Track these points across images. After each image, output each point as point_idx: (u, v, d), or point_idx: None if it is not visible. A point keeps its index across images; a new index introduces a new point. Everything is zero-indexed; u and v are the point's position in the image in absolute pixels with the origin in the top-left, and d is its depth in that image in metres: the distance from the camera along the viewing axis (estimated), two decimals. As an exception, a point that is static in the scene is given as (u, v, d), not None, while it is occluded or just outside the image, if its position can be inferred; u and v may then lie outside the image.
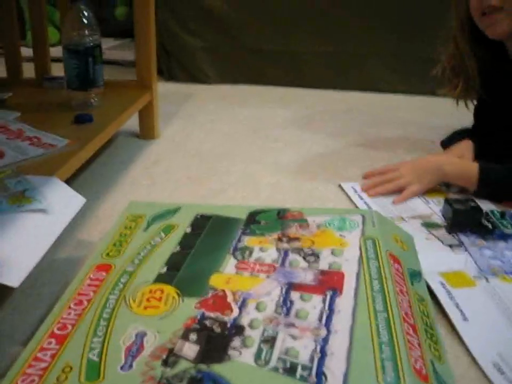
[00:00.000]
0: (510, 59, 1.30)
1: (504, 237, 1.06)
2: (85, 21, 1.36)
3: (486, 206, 1.17)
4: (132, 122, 1.55)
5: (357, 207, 1.19)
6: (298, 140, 1.60)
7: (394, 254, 0.87)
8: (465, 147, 1.34)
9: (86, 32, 1.36)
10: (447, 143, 1.42)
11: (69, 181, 1.01)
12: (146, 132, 1.59)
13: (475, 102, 1.41)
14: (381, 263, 0.83)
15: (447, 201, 1.09)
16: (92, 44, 1.36)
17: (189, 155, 1.48)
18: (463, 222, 1.06)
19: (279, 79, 2.14)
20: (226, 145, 1.55)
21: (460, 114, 1.39)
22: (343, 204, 1.21)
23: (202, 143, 1.57)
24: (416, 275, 0.88)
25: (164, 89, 2.06)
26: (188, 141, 1.58)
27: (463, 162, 1.25)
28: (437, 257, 0.99)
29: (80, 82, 1.38)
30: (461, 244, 1.04)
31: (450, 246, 1.03)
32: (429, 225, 1.11)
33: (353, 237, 0.90)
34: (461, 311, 0.85)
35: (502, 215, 1.09)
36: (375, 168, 1.31)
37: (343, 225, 0.94)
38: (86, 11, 1.36)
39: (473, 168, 1.20)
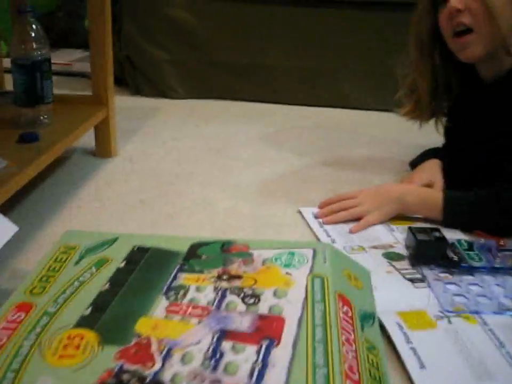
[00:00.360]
0: (480, 82, 1.24)
1: (471, 270, 0.98)
2: (33, 34, 1.28)
3: (456, 235, 1.10)
4: (89, 138, 1.47)
5: (315, 235, 1.11)
6: (262, 159, 1.51)
7: (344, 294, 0.79)
8: (433, 168, 1.27)
9: (34, 45, 1.27)
10: (415, 163, 1.34)
11: (12, 203, 0.92)
12: (102, 149, 1.51)
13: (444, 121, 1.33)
14: (327, 307, 0.74)
15: (411, 230, 1.01)
16: (40, 58, 1.28)
17: (144, 176, 1.39)
18: (426, 254, 0.98)
19: (249, 94, 2.06)
20: (185, 165, 1.47)
21: (433, 132, 1.34)
22: (300, 231, 1.14)
23: (161, 163, 1.48)
24: (368, 317, 0.79)
25: (128, 104, 1.99)
26: (146, 160, 1.50)
27: (426, 191, 1.17)
28: (396, 294, 0.91)
29: (27, 99, 1.30)
30: (423, 278, 0.96)
31: (412, 280, 0.95)
32: (391, 256, 1.03)
33: (300, 275, 0.82)
34: (418, 357, 0.78)
35: (470, 246, 1.01)
36: (335, 195, 1.23)
37: (291, 261, 0.86)
38: (34, 24, 1.28)
39: (437, 197, 1.13)
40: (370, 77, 1.92)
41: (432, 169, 1.26)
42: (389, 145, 1.62)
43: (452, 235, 1.08)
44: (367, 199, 1.16)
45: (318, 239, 1.10)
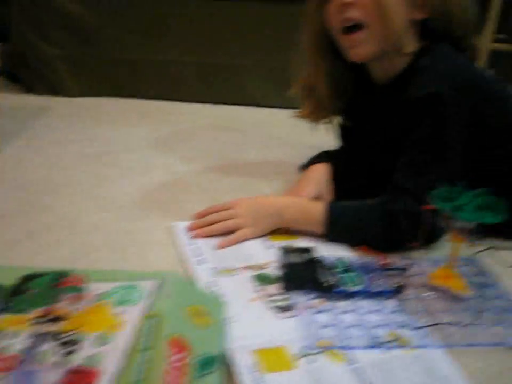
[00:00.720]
0: (373, 83, 1.15)
1: (347, 295, 0.87)
2: None
3: (341, 252, 1.00)
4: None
5: (184, 254, 1.00)
6: (144, 166, 1.39)
7: (182, 337, 0.68)
8: (320, 177, 1.18)
9: None
10: (304, 167, 1.24)
11: None
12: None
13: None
14: (154, 356, 0.62)
15: (283, 250, 0.90)
16: None
17: (13, 186, 1.25)
18: (297, 277, 0.88)
19: (146, 92, 1.93)
20: (61, 173, 1.33)
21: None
22: (168, 250, 1.02)
23: (35, 171, 1.34)
24: (210, 363, 0.68)
25: (17, 103, 1.85)
26: (19, 167, 1.35)
27: (307, 204, 1.07)
28: (256, 327, 0.81)
29: None
30: (292, 305, 0.84)
31: (279, 309, 0.84)
32: (263, 278, 0.92)
33: (133, 315, 0.71)
34: (268, 407, 0.65)
35: (348, 267, 0.90)
36: (211, 206, 1.10)
37: (127, 297, 0.74)
38: None
39: (319, 210, 1.02)
40: (273, 73, 1.82)
41: (319, 178, 1.17)
42: (287, 146, 1.52)
43: (336, 252, 0.99)
44: (244, 211, 1.04)
45: (187, 259, 0.98)
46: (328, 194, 1.15)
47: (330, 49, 1.12)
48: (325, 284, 0.87)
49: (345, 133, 1.28)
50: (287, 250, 0.91)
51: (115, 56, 1.92)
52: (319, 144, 1.32)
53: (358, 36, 1.04)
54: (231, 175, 1.35)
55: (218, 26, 1.86)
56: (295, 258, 0.90)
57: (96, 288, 0.77)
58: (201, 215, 1.08)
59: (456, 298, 0.90)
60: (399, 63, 1.08)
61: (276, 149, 1.51)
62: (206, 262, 0.97)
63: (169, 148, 1.54)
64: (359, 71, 1.15)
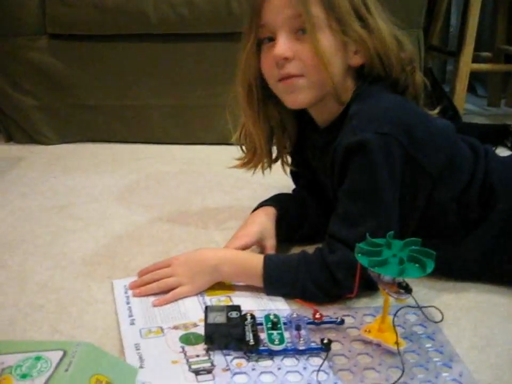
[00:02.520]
0: (315, 125, 1.14)
1: (272, 354, 0.85)
2: None
3: (277, 304, 0.99)
4: None
5: (117, 313, 0.99)
6: (105, 217, 1.39)
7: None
8: (264, 221, 1.15)
9: None
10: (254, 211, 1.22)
11: None
12: None
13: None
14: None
15: (208, 309, 0.89)
16: None
17: (-29, 244, 1.25)
18: (222, 336, 0.86)
19: (121, 136, 1.96)
20: (21, 228, 1.35)
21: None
22: (106, 309, 1.02)
23: (-4, 227, 1.34)
24: None
25: None
26: (-19, 224, 1.36)
27: (246, 258, 1.05)
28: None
29: None
30: (212, 367, 0.83)
31: (197, 372, 0.82)
32: (189, 339, 0.91)
33: (32, 389, 0.68)
34: None
35: (275, 324, 0.88)
36: (152, 264, 1.10)
37: (32, 369, 0.73)
38: None
39: (257, 264, 1.01)
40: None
41: (264, 222, 1.15)
42: (252, 188, 1.50)
43: (270, 306, 0.99)
44: (180, 269, 1.03)
45: (120, 319, 0.97)
46: (271, 238, 1.13)
47: (267, 97, 1.10)
48: (250, 343, 0.85)
49: (296, 174, 1.26)
50: (212, 309, 0.89)
51: (89, 103, 1.94)
52: (288, 184, 1.30)
53: (295, 81, 1.02)
54: (185, 224, 1.35)
55: (187, 69, 1.87)
56: (220, 318, 0.87)
57: (4, 361, 0.76)
58: (142, 274, 1.07)
59: (388, 352, 0.87)
60: (337, 107, 1.06)
61: (239, 192, 1.51)
62: (135, 323, 0.95)
63: (132, 196, 1.54)
64: (303, 115, 1.14)
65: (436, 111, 1.11)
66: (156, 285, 1.02)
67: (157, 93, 1.91)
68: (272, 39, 1.02)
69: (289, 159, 1.23)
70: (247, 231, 1.13)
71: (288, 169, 1.24)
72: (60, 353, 0.75)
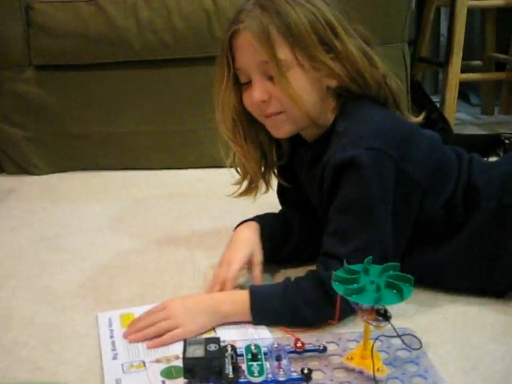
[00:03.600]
0: (303, 140, 1.15)
1: (250, 386, 0.84)
2: None
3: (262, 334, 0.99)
4: None
5: (100, 347, 0.99)
6: (93, 248, 1.39)
7: None
8: (248, 233, 1.16)
9: None
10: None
11: None
12: None
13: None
14: None
15: (187, 343, 0.88)
16: None
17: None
18: (198, 370, 0.85)
19: (111, 163, 1.95)
20: (8, 264, 1.35)
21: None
22: (89, 344, 1.01)
23: (-17, 262, 1.34)
24: None
25: None
26: (-30, 259, 1.36)
27: (236, 295, 1.04)
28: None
29: None
30: (190, 403, 0.82)
31: (177, 408, 0.81)
32: (170, 372, 0.91)
33: None
34: None
35: (254, 356, 0.87)
36: (144, 313, 1.05)
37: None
38: None
39: (244, 298, 1.01)
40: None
41: (249, 238, 1.15)
42: (244, 211, 1.48)
43: (251, 336, 0.98)
44: (175, 311, 1.00)
45: (103, 354, 0.97)
46: (258, 254, 1.13)
47: (253, 121, 1.11)
48: (229, 376, 0.84)
49: (283, 193, 1.27)
50: (191, 343, 0.88)
51: (77, 132, 1.93)
52: (270, 204, 1.30)
53: (277, 118, 1.06)
54: (172, 252, 1.34)
55: (172, 94, 1.87)
56: (199, 351, 0.87)
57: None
58: (135, 322, 1.03)
59: (370, 380, 0.86)
60: (323, 126, 1.09)
61: (227, 216, 1.50)
62: (118, 357, 0.95)
63: (120, 224, 1.53)
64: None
65: (420, 117, 1.12)
66: (152, 330, 0.99)
67: (143, 119, 1.91)
68: (248, 82, 1.06)
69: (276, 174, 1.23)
70: (236, 250, 1.12)
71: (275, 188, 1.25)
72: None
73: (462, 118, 2.45)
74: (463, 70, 2.11)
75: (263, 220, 1.19)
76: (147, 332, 0.98)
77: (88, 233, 1.49)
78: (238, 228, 1.18)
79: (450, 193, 1.06)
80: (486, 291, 1.08)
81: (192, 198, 1.70)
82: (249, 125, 1.12)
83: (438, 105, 2.20)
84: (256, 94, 1.03)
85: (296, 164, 1.18)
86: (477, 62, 2.46)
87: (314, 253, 1.07)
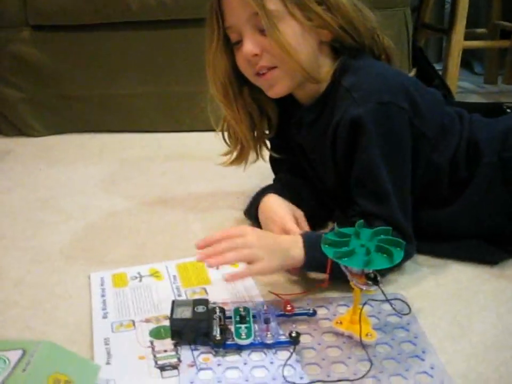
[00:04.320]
0: (296, 103, 1.13)
1: (239, 348, 0.84)
2: None
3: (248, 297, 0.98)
4: None
5: (91, 307, 0.98)
6: (86, 209, 1.39)
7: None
8: (277, 201, 1.13)
9: None
10: (250, 210, 1.20)
11: None
12: None
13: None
14: None
15: (175, 304, 0.88)
16: None
17: None
18: (185, 332, 0.85)
19: (108, 125, 1.94)
20: (1, 223, 1.35)
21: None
22: (79, 304, 1.01)
23: (-24, 222, 1.34)
24: None
25: None
26: (-38, 219, 1.35)
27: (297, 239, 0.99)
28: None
29: None
30: (177, 363, 0.82)
31: (163, 368, 0.81)
32: (159, 332, 0.90)
33: (-12, 390, 0.67)
34: None
35: (243, 317, 0.87)
36: (219, 232, 0.95)
37: (-11, 370, 0.71)
38: None
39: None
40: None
41: (281, 202, 1.12)
42: (239, 175, 1.47)
43: (240, 299, 0.97)
44: (258, 242, 0.93)
45: (93, 313, 0.97)
46: (298, 210, 1.11)
47: (243, 88, 1.10)
48: (216, 338, 0.83)
49: (276, 161, 1.25)
50: (179, 304, 0.88)
51: (74, 93, 1.92)
52: (264, 169, 1.30)
53: (272, 74, 1.03)
54: (165, 214, 1.34)
55: (171, 56, 1.84)
56: (187, 313, 0.86)
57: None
58: (209, 243, 0.93)
59: (359, 345, 0.85)
60: (321, 85, 1.06)
61: (223, 180, 1.49)
62: (108, 316, 0.95)
63: (115, 186, 1.53)
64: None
65: (412, 73, 1.11)
66: (233, 254, 0.90)
67: (142, 81, 1.89)
68: (239, 41, 1.03)
69: (268, 145, 1.21)
70: (281, 217, 1.08)
71: (266, 156, 1.23)
72: (19, 352, 0.75)
73: (464, 87, 2.42)
74: (467, 38, 2.07)
75: (275, 191, 1.16)
76: (228, 256, 0.90)
77: (82, 195, 1.48)
78: (261, 202, 1.14)
79: (454, 147, 1.05)
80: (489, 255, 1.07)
81: (188, 161, 1.69)
82: (240, 91, 1.10)
83: (440, 73, 2.17)
84: (248, 47, 1.00)
85: (291, 128, 1.16)
86: (482, 30, 2.42)
87: (323, 218, 1.10)
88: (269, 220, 1.10)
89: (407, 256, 1.00)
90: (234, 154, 1.16)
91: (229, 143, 1.17)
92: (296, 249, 0.96)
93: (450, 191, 1.06)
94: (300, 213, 1.11)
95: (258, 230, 1.02)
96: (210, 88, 1.09)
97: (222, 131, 1.15)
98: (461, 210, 1.06)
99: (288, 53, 0.98)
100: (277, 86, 1.05)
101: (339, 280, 0.92)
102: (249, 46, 1.00)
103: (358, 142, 0.99)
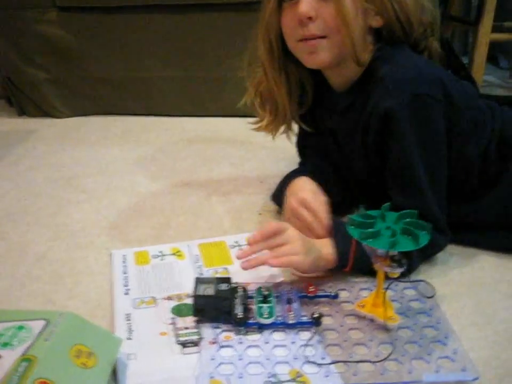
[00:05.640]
0: (329, 88, 1.11)
1: (260, 327, 0.84)
2: None
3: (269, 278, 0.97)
4: None
5: (112, 283, 0.99)
6: (109, 188, 1.40)
7: (51, 380, 0.65)
8: (305, 181, 1.11)
9: None
10: (278, 195, 1.17)
11: None
12: None
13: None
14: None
15: (198, 281, 0.88)
16: None
17: (-26, 215, 1.26)
18: (211, 309, 0.85)
19: (132, 108, 1.95)
20: (25, 201, 1.36)
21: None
22: (101, 279, 1.02)
23: (2, 199, 1.34)
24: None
25: (8, 127, 1.91)
26: (-12, 196, 1.37)
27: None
28: (155, 364, 0.79)
29: None
30: (199, 340, 0.82)
31: (184, 344, 0.82)
32: (180, 310, 0.91)
33: (11, 357, 0.68)
34: None
35: (266, 297, 0.87)
36: (258, 231, 0.95)
37: (12, 338, 0.73)
38: None
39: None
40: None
41: (309, 182, 1.10)
42: (262, 159, 1.47)
43: (263, 279, 0.96)
44: (296, 238, 0.93)
45: (114, 289, 0.97)
46: (324, 196, 1.08)
47: (286, 55, 1.07)
48: (238, 316, 0.83)
49: (304, 144, 1.24)
50: (202, 281, 0.88)
51: (99, 75, 1.92)
52: (289, 154, 1.29)
53: (317, 42, 1.00)
54: (188, 195, 1.34)
55: (196, 40, 1.83)
56: (210, 290, 0.86)
57: (-13, 329, 0.75)
58: (254, 241, 0.93)
59: (381, 328, 0.85)
60: (356, 70, 1.04)
61: (246, 164, 1.49)
62: (130, 292, 0.95)
63: (138, 168, 1.53)
64: (316, 76, 1.11)
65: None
66: (272, 255, 0.91)
67: (166, 64, 1.88)
68: None
69: (294, 129, 1.20)
70: (304, 191, 1.07)
71: (293, 138, 1.22)
72: (43, 322, 0.75)
73: (490, 81, 2.39)
74: (494, 31, 2.04)
75: (304, 174, 1.14)
76: (267, 257, 0.91)
77: (105, 175, 1.49)
78: (291, 183, 1.12)
79: (486, 141, 1.04)
80: None
81: (211, 145, 1.69)
82: (285, 54, 1.08)
83: (466, 66, 2.14)
84: (304, 7, 0.96)
85: (323, 112, 1.15)
86: (509, 23, 2.38)
87: (349, 205, 1.09)
88: (292, 194, 1.08)
89: (439, 248, 1.01)
90: (266, 120, 1.14)
91: (261, 109, 1.14)
92: (326, 249, 0.95)
93: (480, 185, 1.05)
94: (323, 198, 1.08)
95: (294, 228, 0.98)
96: (258, 44, 1.07)
97: (254, 96, 1.13)
98: (490, 204, 1.05)
99: (344, 21, 0.96)
100: (319, 54, 1.01)
101: (362, 272, 0.93)
102: (307, 7, 0.97)
103: (391, 134, 0.98)
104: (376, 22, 1.02)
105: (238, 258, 0.93)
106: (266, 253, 0.92)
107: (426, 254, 0.99)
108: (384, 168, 1.02)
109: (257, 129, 1.17)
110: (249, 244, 0.93)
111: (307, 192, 1.06)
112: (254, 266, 0.91)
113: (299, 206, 1.03)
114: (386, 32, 1.03)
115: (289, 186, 1.12)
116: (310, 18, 0.98)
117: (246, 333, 0.84)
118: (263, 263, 0.91)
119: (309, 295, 0.91)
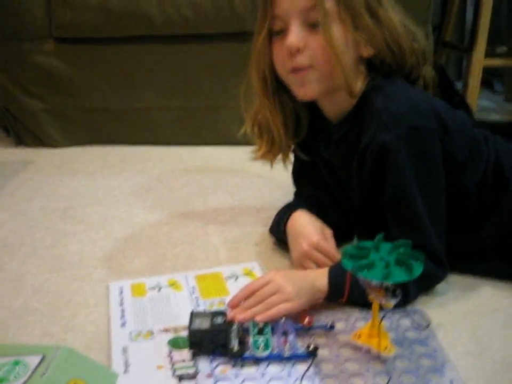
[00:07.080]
0: (324, 118, 1.12)
1: (256, 360, 0.84)
2: None
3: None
4: None
5: (109, 315, 0.99)
6: (106, 219, 1.40)
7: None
8: (305, 218, 1.12)
9: None
10: (278, 227, 1.18)
11: None
12: None
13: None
14: None
15: (193, 315, 0.88)
16: None
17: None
18: (203, 343, 0.85)
19: (129, 138, 1.95)
20: (19, 232, 1.36)
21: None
22: (99, 312, 1.02)
23: (-2, 231, 1.35)
24: None
25: (4, 157, 1.91)
26: (-16, 228, 1.37)
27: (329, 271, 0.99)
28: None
29: None
30: (195, 373, 0.82)
31: (181, 377, 0.82)
32: (177, 343, 0.90)
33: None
34: None
35: (260, 330, 0.87)
36: (242, 289, 0.97)
37: (9, 374, 0.73)
38: None
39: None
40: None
41: (311, 219, 1.12)
42: (259, 188, 1.47)
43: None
44: (284, 283, 0.93)
45: (111, 322, 0.98)
46: (326, 228, 1.11)
47: (280, 86, 1.08)
48: (234, 350, 0.83)
49: (304, 170, 1.25)
50: (197, 315, 0.88)
51: (96, 105, 1.94)
52: (286, 183, 1.30)
53: (306, 74, 1.01)
54: (185, 226, 1.34)
55: (192, 70, 1.85)
56: (205, 324, 0.86)
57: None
58: (238, 301, 0.95)
59: (377, 359, 0.85)
60: (349, 100, 1.05)
61: (243, 193, 1.50)
62: (126, 325, 0.95)
63: (135, 198, 1.53)
64: (312, 107, 1.12)
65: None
66: (261, 307, 0.91)
67: (163, 94, 1.90)
68: (282, 31, 1.01)
69: (291, 157, 1.20)
70: (311, 234, 1.08)
71: (289, 167, 1.23)
72: (39, 357, 0.75)
73: (484, 105, 2.41)
74: (488, 56, 2.07)
75: (302, 207, 1.15)
76: (257, 309, 0.91)
77: (102, 206, 1.49)
78: (291, 218, 1.13)
79: (482, 171, 1.04)
80: None
81: (208, 174, 1.69)
82: (279, 85, 1.08)
83: (460, 91, 2.16)
84: (293, 38, 0.97)
85: (319, 142, 1.16)
86: (503, 48, 2.41)
87: (346, 236, 1.10)
88: (299, 235, 1.09)
89: (437, 280, 1.02)
90: (263, 149, 1.15)
91: (259, 138, 1.15)
92: (322, 280, 0.96)
93: (477, 214, 1.05)
94: (328, 232, 1.10)
95: (281, 272, 0.99)
96: (251, 76, 1.08)
97: (252, 127, 1.14)
98: (487, 233, 1.05)
99: (334, 52, 0.97)
100: (308, 86, 1.02)
101: (357, 304, 0.94)
102: (294, 38, 0.98)
103: (388, 167, 0.97)
104: (367, 51, 1.02)
105: (229, 318, 0.90)
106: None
107: (424, 286, 1.00)
108: (380, 198, 1.02)
109: (256, 158, 1.18)
110: (237, 300, 0.94)
111: (312, 230, 1.08)
112: (250, 319, 0.90)
113: (311, 249, 1.05)
114: (378, 61, 1.03)
115: (289, 222, 1.13)
116: (298, 49, 0.98)
117: (242, 366, 0.84)
118: (256, 315, 0.90)
119: (304, 326, 0.91)
